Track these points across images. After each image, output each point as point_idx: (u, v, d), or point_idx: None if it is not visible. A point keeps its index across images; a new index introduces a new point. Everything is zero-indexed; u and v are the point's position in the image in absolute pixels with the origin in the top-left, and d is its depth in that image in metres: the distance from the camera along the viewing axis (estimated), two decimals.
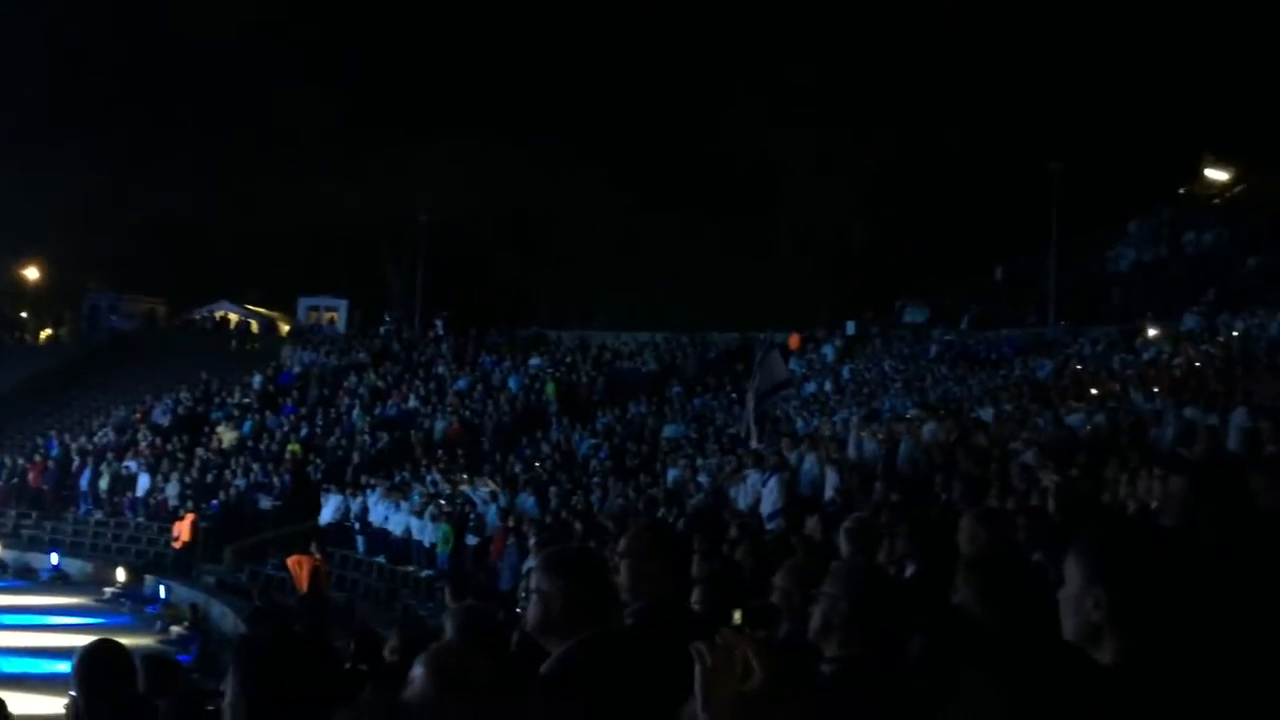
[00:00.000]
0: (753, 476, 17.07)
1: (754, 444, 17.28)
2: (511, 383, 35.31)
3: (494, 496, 22.69)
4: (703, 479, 19.86)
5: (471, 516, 22.09)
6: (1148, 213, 37.46)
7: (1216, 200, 39.21)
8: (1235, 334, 23.28)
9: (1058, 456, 12.82)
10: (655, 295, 44.35)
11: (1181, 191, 40.74)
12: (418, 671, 2.93)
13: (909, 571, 6.02)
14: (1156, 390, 17.54)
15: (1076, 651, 2.35)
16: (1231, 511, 3.78)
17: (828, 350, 34.20)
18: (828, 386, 29.42)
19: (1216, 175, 41.15)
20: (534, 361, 37.34)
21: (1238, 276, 29.82)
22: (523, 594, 3.54)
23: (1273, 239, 31.03)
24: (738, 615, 2.42)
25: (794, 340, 36.13)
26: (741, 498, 17.05)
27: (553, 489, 22.61)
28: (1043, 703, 2.13)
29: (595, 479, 23.49)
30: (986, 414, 19.47)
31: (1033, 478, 10.75)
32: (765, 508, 16.02)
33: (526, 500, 22.09)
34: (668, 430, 28.30)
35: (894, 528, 6.46)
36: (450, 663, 3.04)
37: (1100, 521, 4.00)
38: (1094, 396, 18.51)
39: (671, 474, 21.35)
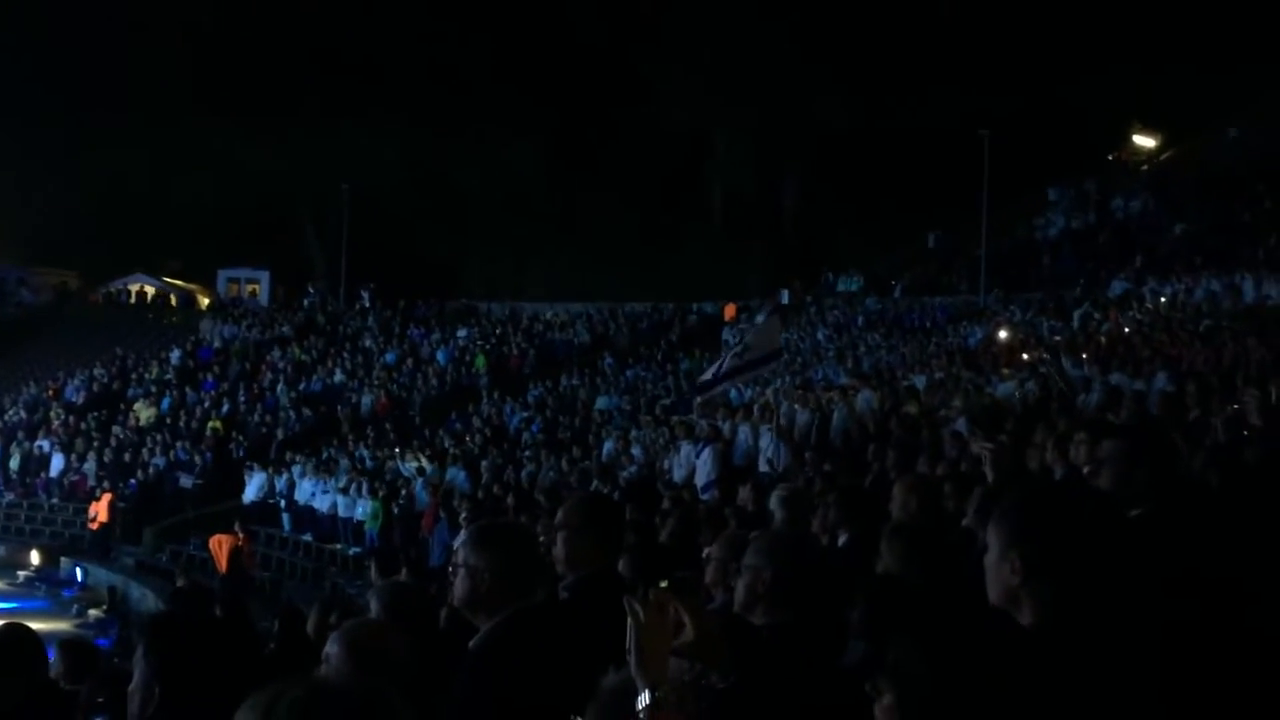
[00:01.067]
0: (686, 448, 17.16)
1: (702, 397, 17.13)
2: (440, 356, 35.13)
3: (423, 471, 22.55)
4: (636, 451, 19.92)
5: (401, 492, 21.97)
6: (1076, 180, 38.11)
7: (1144, 167, 39.99)
8: (1163, 300, 23.83)
9: (987, 424, 13.03)
10: (587, 266, 44.31)
11: (1110, 158, 41.47)
12: (333, 649, 2.90)
13: (841, 540, 6.10)
14: (1084, 356, 17.89)
15: (1000, 615, 2.38)
16: (1163, 475, 3.83)
17: (761, 320, 34.43)
18: None
19: (1144, 142, 41.99)
20: (463, 334, 37.17)
21: (1165, 243, 30.50)
22: (451, 569, 3.52)
23: (1199, 205, 31.75)
24: (664, 585, 2.44)
25: (729, 310, 36.42)
26: (676, 469, 17.12)
27: (484, 463, 22.56)
28: (966, 665, 2.16)
29: (527, 453, 23.48)
30: (919, 382, 19.76)
31: (964, 445, 10.93)
32: (699, 479, 16.10)
33: (457, 475, 22.01)
34: (600, 402, 28.36)
35: (825, 496, 6.52)
36: (366, 639, 3.01)
37: (1024, 486, 4.07)
38: (1024, 363, 18.82)
39: (605, 446, 21.40)
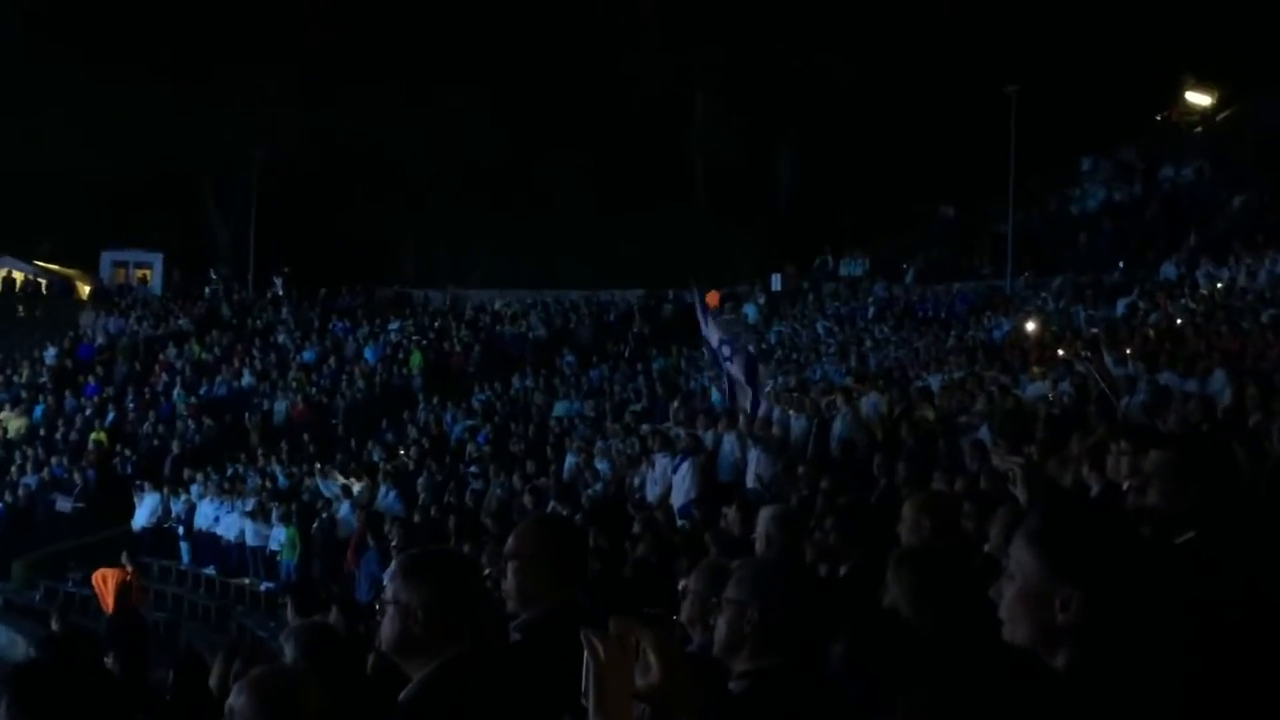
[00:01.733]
0: (661, 462, 17.20)
1: (748, 409, 17.52)
2: (369, 353, 35.14)
3: (348, 491, 22.54)
4: (601, 466, 19.95)
5: (321, 516, 21.94)
6: (1118, 145, 38.43)
7: (1198, 129, 40.26)
8: (1219, 285, 24.09)
9: (1015, 432, 13.13)
10: (543, 247, 44.32)
11: (1158, 119, 41.76)
12: (239, 702, 2.87)
13: (843, 570, 6.12)
14: (1129, 352, 18.06)
15: (1026, 656, 2.39)
16: (1219, 491, 3.86)
17: (749, 310, 34.65)
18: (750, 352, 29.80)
19: (1198, 100, 42.22)
20: (396, 327, 37.15)
21: (1222, 218, 30.81)
22: (379, 607, 3.52)
23: (1262, 174, 32.01)
24: (629, 617, 2.43)
25: (712, 298, 36.48)
26: (649, 487, 17.17)
27: (420, 480, 22.57)
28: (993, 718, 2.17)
29: (472, 468, 23.49)
30: (934, 382, 19.83)
31: (986, 457, 10.98)
32: (677, 499, 16.15)
33: (388, 495, 21.99)
34: (559, 408, 28.39)
35: (824, 518, 6.55)
36: (279, 691, 2.98)
37: (1069, 504, 4.08)
38: (1057, 360, 18.98)
39: (565, 461, 21.43)
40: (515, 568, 3.92)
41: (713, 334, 18.01)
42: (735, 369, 17.90)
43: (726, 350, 17.88)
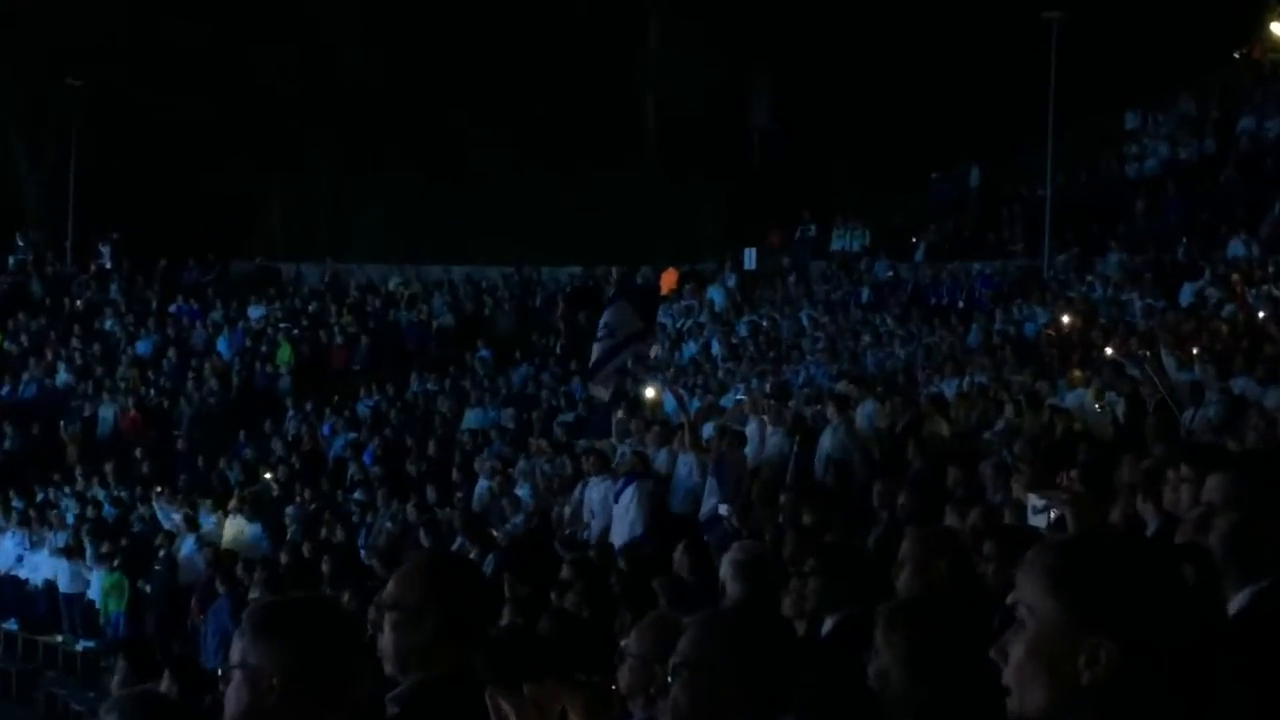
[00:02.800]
0: (598, 487, 17.26)
1: (597, 392, 18.14)
2: (223, 345, 35.04)
3: (194, 524, 22.41)
4: (522, 493, 19.98)
5: (159, 555, 21.81)
6: (1183, 89, 38.74)
7: None
8: None
9: (1050, 453, 13.24)
10: (450, 211, 44.17)
11: (1236, 57, 42.12)
12: None
13: (826, 626, 6.16)
14: (1196, 352, 18.27)
15: None
16: None
17: (715, 294, 34.71)
18: (715, 348, 29.83)
19: None
20: (259, 312, 36.95)
21: None
22: (222, 673, 3.52)
23: None
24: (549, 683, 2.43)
25: (667, 278, 36.62)
26: (583, 520, 17.27)
27: (288, 510, 22.54)
28: None
29: (356, 495, 23.44)
30: (949, 389, 19.94)
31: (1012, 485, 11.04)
32: (618, 535, 16.26)
33: (247, 529, 21.91)
34: (470, 418, 28.37)
35: (804, 560, 6.59)
36: None
37: (1089, 534, 4.13)
38: (1106, 362, 19.18)
39: (477, 486, 21.40)
40: (394, 621, 3.91)
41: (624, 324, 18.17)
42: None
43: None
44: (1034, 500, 8.30)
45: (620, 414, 21.90)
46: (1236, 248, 27.78)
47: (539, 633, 7.80)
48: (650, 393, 22.96)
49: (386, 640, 3.91)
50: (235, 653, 3.39)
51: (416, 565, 4.23)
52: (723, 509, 15.48)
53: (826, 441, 17.16)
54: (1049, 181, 33.50)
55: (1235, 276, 24.87)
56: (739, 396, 22.72)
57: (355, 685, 3.44)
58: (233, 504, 23.25)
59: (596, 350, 17.89)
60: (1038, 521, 8.06)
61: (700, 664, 3.47)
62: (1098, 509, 7.67)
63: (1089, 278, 29.06)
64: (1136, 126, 38.44)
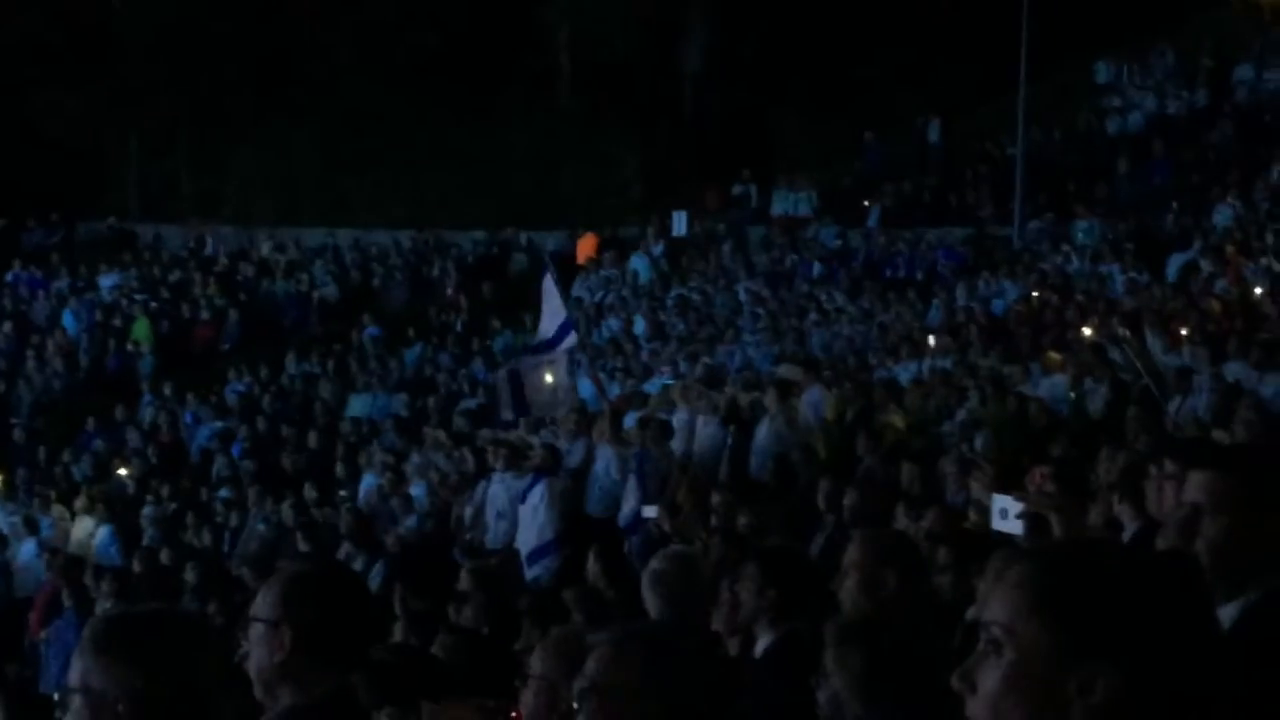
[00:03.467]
0: (503, 484, 17.27)
1: (505, 416, 17.91)
2: (69, 320, 34.68)
3: (33, 526, 22.21)
4: (416, 491, 19.95)
5: None
6: (1166, 38, 38.97)
7: None
8: None
9: (1019, 447, 13.35)
10: (333, 166, 43.93)
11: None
12: None
13: (761, 644, 6.18)
14: (1185, 333, 18.43)
15: None
16: None
17: (639, 264, 34.69)
18: (639, 326, 29.82)
19: None
20: (110, 281, 36.60)
21: None
22: (59, 698, 3.49)
23: None
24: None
25: (585, 245, 36.55)
26: (486, 523, 17.28)
27: (145, 511, 22.32)
28: None
29: (223, 493, 23.32)
30: (905, 374, 20.02)
31: (972, 482, 11.13)
32: (526, 540, 16.30)
33: (97, 532, 21.74)
34: (355, 405, 28.25)
35: (738, 569, 6.60)
36: None
37: (1074, 543, 4.15)
38: (1084, 343, 19.31)
39: (362, 483, 21.29)
40: (261, 638, 3.89)
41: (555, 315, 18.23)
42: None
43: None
44: (1001, 502, 8.28)
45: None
46: (1229, 214, 27.91)
47: (434, 651, 7.79)
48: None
49: (253, 660, 3.90)
50: (75, 674, 3.37)
51: (287, 575, 4.21)
52: (646, 511, 15.50)
53: (765, 433, 17.20)
54: (1020, 138, 33.60)
55: (1229, 248, 24.99)
56: (666, 381, 22.72)
57: (216, 712, 3.41)
58: (80, 503, 23.06)
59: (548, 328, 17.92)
60: (1005, 527, 8.06)
61: (611, 689, 3.45)
62: (1084, 513, 7.71)
63: (1065, 247, 29.19)
64: (1110, 80, 38.58)
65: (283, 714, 3.83)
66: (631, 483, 16.54)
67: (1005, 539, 7.84)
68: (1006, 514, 8.04)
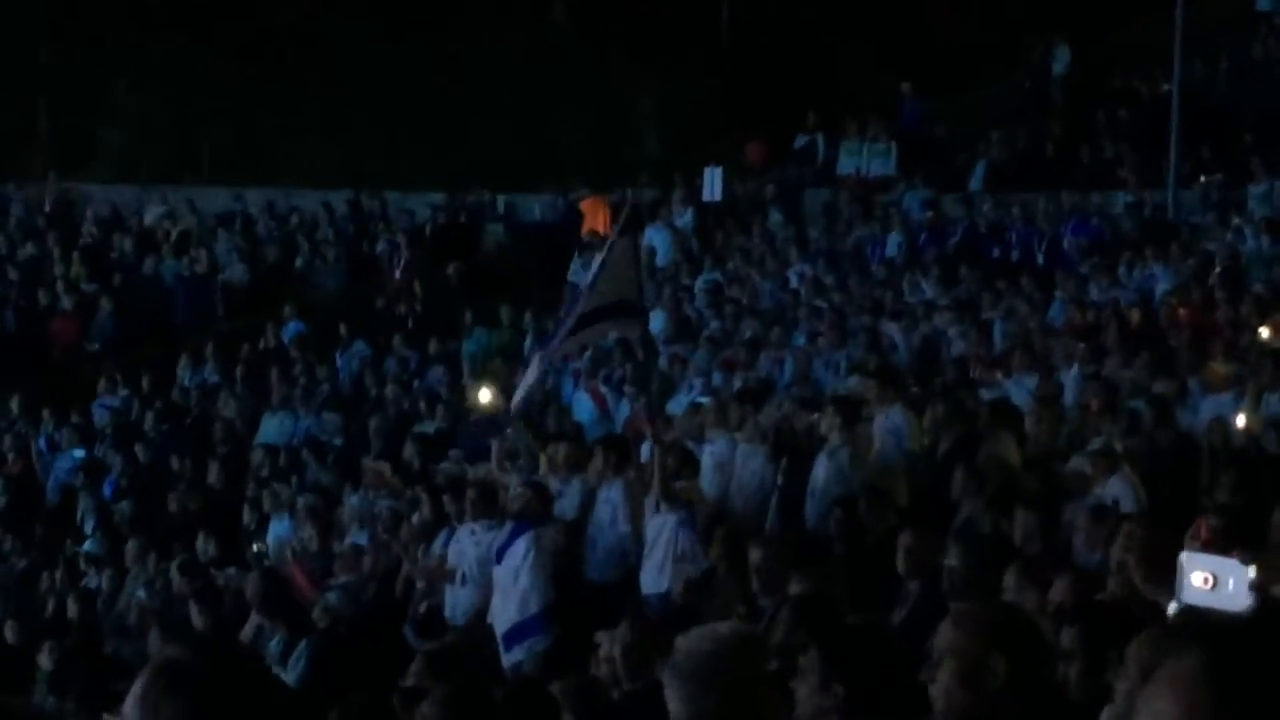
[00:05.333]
0: (474, 539, 17.35)
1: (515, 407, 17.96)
2: None
3: None
4: (359, 540, 20.12)
5: None
6: None
7: None
8: None
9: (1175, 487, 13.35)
10: (243, 105, 44.00)
11: None
12: None
13: None
14: None
15: None
16: None
17: (657, 240, 34.64)
18: (657, 324, 29.72)
19: None
20: None
21: None
22: None
23: None
24: None
25: (591, 212, 36.23)
26: (449, 590, 17.35)
27: None
28: None
29: (89, 546, 23.56)
30: (1019, 391, 20.00)
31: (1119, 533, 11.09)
32: (502, 613, 16.34)
33: None
34: (269, 428, 28.28)
35: (793, 654, 6.60)
36: None
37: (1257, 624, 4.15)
38: (1264, 349, 19.33)
39: (269, 531, 21.43)
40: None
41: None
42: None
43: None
44: (1200, 563, 7.83)
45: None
46: None
47: None
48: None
49: None
50: None
51: (150, 662, 4.22)
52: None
53: (826, 470, 17.21)
54: (1176, 69, 33.59)
55: None
56: (695, 398, 22.69)
57: None
58: None
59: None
60: (1206, 600, 7.79)
61: None
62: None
63: (1236, 221, 29.19)
64: (1270, 7, 38.64)
65: None
66: (662, 543, 16.37)
67: (1153, 614, 7.80)
68: (1217, 582, 7.51)
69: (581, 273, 32.18)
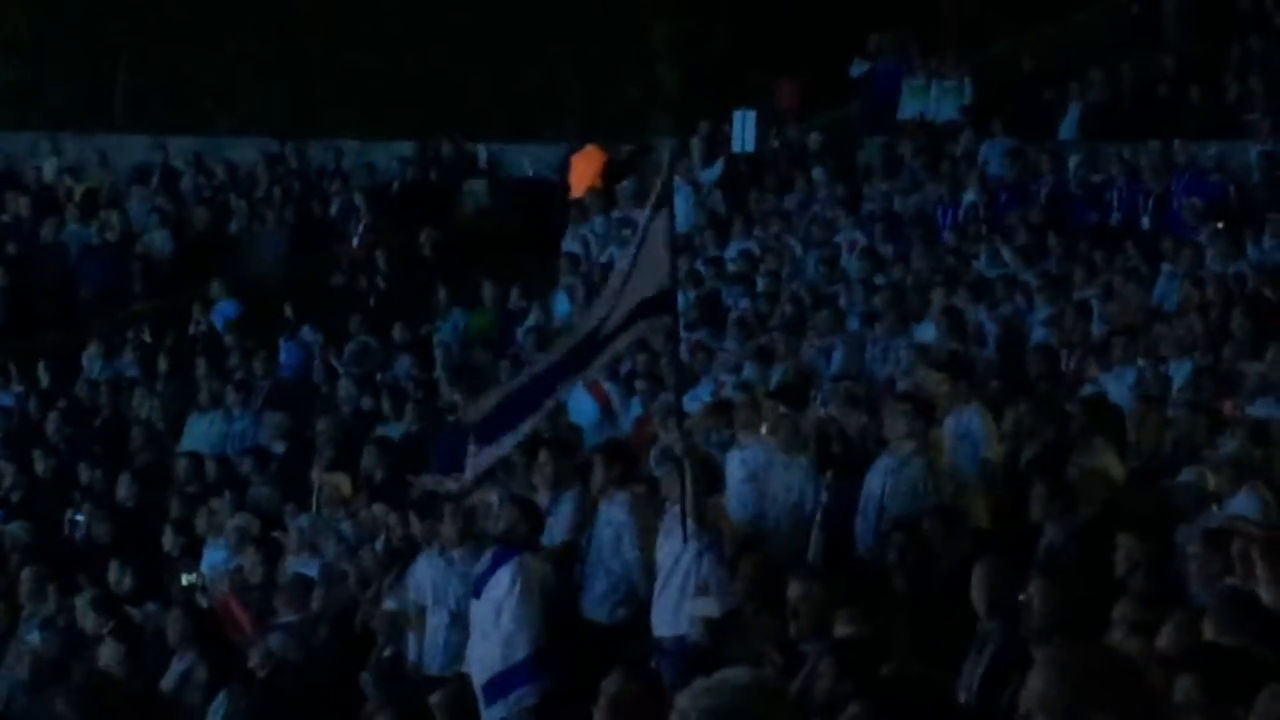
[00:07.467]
0: (446, 568, 17.36)
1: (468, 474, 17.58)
2: None
3: None
4: (306, 570, 20.00)
5: None
6: None
7: None
8: None
9: None
10: (166, 36, 44.14)
11: None
12: None
13: None
14: None
15: None
16: None
17: (680, 199, 34.62)
18: (678, 305, 29.78)
19: None
20: None
21: None
22: None
23: None
24: None
25: (584, 165, 36.32)
26: (417, 636, 17.47)
27: None
28: None
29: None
30: (1121, 386, 20.01)
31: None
32: (482, 659, 16.36)
33: None
34: (198, 430, 28.41)
35: (837, 708, 6.60)
36: None
37: None
38: None
39: (210, 560, 21.57)
40: None
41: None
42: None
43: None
44: None
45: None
46: None
47: None
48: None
49: None
50: None
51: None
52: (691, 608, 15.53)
53: (882, 483, 17.21)
54: None
55: None
56: (721, 393, 22.71)
57: None
58: None
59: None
60: None
61: None
62: None
63: None
64: None
65: None
66: (679, 573, 16.35)
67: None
68: None
69: (578, 243, 32.25)
